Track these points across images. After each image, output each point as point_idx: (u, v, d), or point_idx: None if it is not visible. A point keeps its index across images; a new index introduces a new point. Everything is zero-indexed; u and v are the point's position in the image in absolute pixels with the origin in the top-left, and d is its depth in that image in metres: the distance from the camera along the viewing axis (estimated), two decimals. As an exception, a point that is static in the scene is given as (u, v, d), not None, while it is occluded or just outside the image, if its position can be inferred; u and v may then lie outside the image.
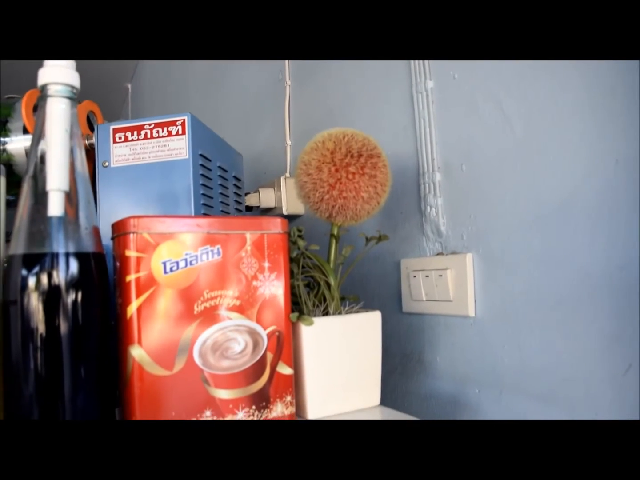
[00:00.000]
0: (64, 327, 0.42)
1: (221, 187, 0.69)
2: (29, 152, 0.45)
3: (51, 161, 0.43)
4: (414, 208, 0.66)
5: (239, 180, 0.77)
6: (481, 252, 0.57)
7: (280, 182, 0.82)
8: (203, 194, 0.63)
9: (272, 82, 0.96)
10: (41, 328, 0.41)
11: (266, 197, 0.83)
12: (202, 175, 0.63)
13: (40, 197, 0.43)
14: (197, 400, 0.45)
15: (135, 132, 0.63)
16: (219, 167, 0.69)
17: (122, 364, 0.45)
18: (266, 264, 0.48)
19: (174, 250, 0.45)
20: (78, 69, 0.45)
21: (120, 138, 0.63)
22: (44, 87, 0.44)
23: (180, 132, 0.62)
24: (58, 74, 0.44)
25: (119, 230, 0.45)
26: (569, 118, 0.48)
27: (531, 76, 0.51)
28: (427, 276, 0.62)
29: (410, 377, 0.66)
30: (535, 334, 0.52)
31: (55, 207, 0.43)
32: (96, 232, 0.45)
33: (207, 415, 0.45)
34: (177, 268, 0.45)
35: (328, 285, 0.54)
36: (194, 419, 0.45)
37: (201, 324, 0.45)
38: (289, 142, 0.88)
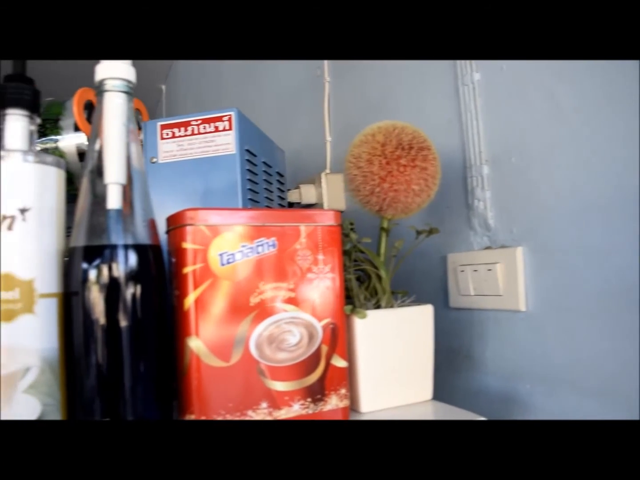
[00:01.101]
0: (124, 318, 0.42)
1: (266, 183, 0.69)
2: (87, 147, 0.45)
3: (109, 155, 0.44)
4: (460, 202, 0.66)
5: (281, 176, 0.77)
6: (532, 245, 0.57)
7: (322, 178, 0.82)
8: (249, 189, 0.63)
9: (310, 78, 0.96)
10: (102, 319, 0.42)
11: (307, 194, 0.83)
12: (249, 170, 0.64)
13: (99, 190, 0.44)
14: (254, 392, 0.45)
15: (182, 128, 0.63)
16: (264, 162, 0.69)
17: (179, 356, 0.45)
18: (320, 257, 0.48)
19: (230, 242, 0.45)
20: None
21: (167, 134, 0.63)
22: (101, 83, 0.45)
23: (227, 127, 0.62)
24: (115, 69, 0.45)
25: (175, 222, 0.45)
26: (622, 110, 0.47)
27: (584, 66, 0.50)
28: (475, 270, 0.62)
29: (457, 373, 0.66)
30: (588, 327, 0.51)
31: (114, 200, 0.43)
32: (153, 225, 0.45)
33: (264, 407, 0.45)
34: (234, 260, 0.45)
35: (379, 278, 0.54)
36: (250, 410, 0.45)
37: (257, 316, 0.45)
38: (328, 138, 0.88)
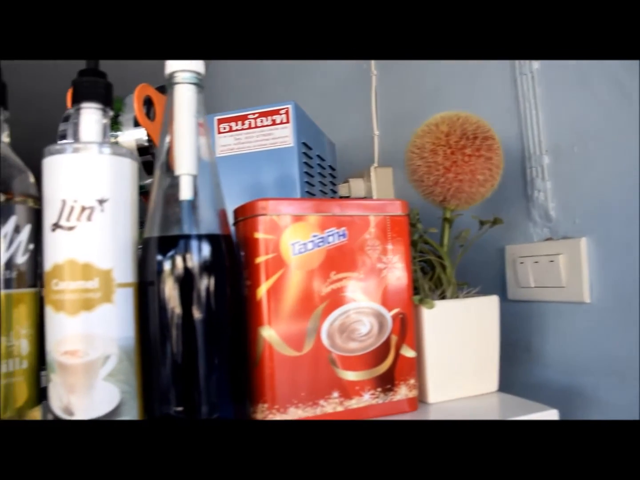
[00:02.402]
0: (199, 308, 0.42)
1: (320, 176, 0.70)
2: (159, 139, 0.46)
3: (180, 146, 0.44)
4: (518, 193, 0.65)
5: (333, 169, 0.77)
6: (596, 236, 0.56)
7: (370, 172, 0.82)
8: (306, 182, 0.63)
9: (356, 72, 0.96)
10: (178, 309, 0.42)
11: (356, 188, 0.83)
12: (305, 163, 0.64)
13: (171, 181, 0.44)
14: (325, 381, 0.45)
15: (239, 122, 0.64)
16: (318, 155, 0.69)
17: (251, 346, 0.45)
18: (389, 246, 0.47)
19: (301, 232, 0.45)
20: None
21: (224, 128, 0.64)
22: (171, 75, 0.45)
23: (284, 120, 0.62)
24: (185, 62, 0.45)
25: (246, 213, 0.46)
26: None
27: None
28: (536, 262, 0.61)
29: (517, 366, 0.65)
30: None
31: (186, 190, 0.43)
32: (224, 215, 0.45)
33: (335, 396, 0.45)
34: (305, 250, 0.45)
35: (443, 269, 0.54)
36: (322, 400, 0.45)
37: (328, 306, 0.45)
38: (376, 132, 0.88)
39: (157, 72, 0.78)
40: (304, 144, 0.64)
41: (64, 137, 0.64)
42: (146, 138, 0.62)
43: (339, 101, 1.01)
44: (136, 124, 0.64)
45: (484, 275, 0.70)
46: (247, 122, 0.64)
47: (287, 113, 0.62)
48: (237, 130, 0.64)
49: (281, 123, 0.62)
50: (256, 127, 0.63)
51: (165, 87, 0.66)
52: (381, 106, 0.90)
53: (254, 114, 0.63)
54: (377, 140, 0.88)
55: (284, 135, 0.62)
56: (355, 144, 0.93)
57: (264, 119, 0.63)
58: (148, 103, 0.62)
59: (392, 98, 0.88)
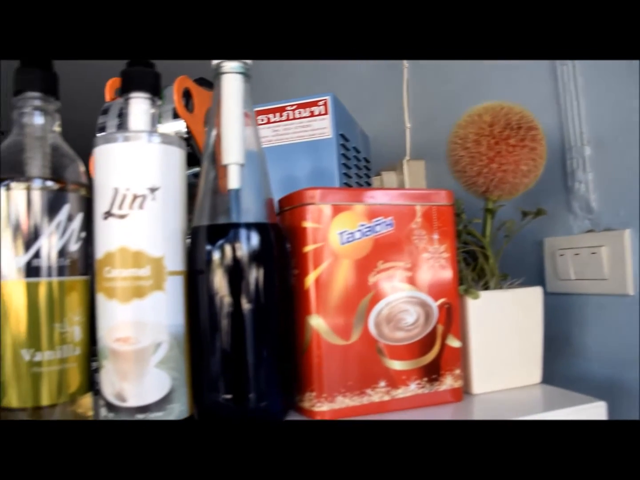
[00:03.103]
0: (248, 296, 0.42)
1: (356, 168, 0.69)
2: (206, 128, 0.46)
3: (227, 135, 0.44)
4: (558, 184, 0.64)
5: (368, 162, 0.77)
6: (640, 227, 0.55)
7: (403, 165, 0.82)
8: (344, 174, 0.63)
9: (388, 64, 0.95)
10: (227, 298, 0.42)
11: (389, 181, 0.83)
12: (343, 155, 0.64)
13: (219, 171, 0.44)
14: (373, 371, 0.45)
15: (277, 114, 0.64)
16: (354, 147, 0.69)
17: (299, 334, 0.45)
18: (435, 236, 0.47)
19: (349, 221, 0.45)
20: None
21: (262, 120, 0.64)
22: (218, 65, 0.45)
23: (322, 112, 0.62)
24: (232, 51, 0.45)
25: (293, 202, 0.46)
26: None
27: None
28: (576, 254, 0.61)
29: (556, 359, 0.65)
30: None
31: (234, 180, 0.43)
32: (271, 204, 0.45)
33: (382, 385, 0.45)
34: (353, 239, 0.45)
35: (486, 260, 0.53)
36: (369, 389, 0.45)
37: (376, 295, 0.45)
38: (408, 125, 0.88)
39: (193, 65, 0.78)
40: (342, 135, 0.64)
41: (103, 129, 0.64)
42: (185, 130, 0.62)
43: (370, 93, 1.00)
44: (175, 116, 0.64)
45: (521, 268, 0.69)
46: (284, 113, 0.64)
47: (325, 104, 0.62)
48: (274, 122, 0.64)
49: (319, 115, 0.62)
50: (294, 118, 0.63)
51: (204, 79, 0.66)
52: (413, 98, 0.89)
53: (291, 105, 0.64)
54: (408, 133, 0.88)
55: (322, 127, 0.62)
56: (387, 136, 0.93)
57: (302, 110, 0.63)
58: (187, 95, 0.62)
59: (424, 90, 0.88)
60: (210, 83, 0.69)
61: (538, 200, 0.65)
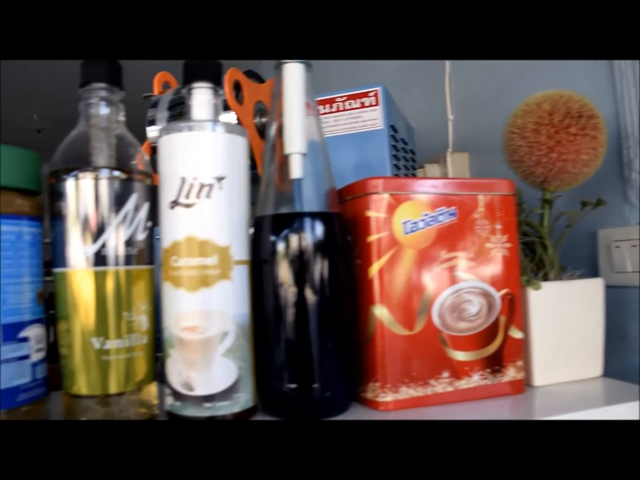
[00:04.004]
0: (313, 286, 0.42)
1: (404, 160, 0.69)
2: (269, 119, 0.46)
3: (290, 125, 0.44)
4: (613, 175, 0.63)
5: (414, 154, 0.77)
6: (701, 218, 0.54)
7: (447, 157, 0.81)
8: (394, 165, 0.63)
9: (429, 57, 0.94)
10: (293, 288, 0.42)
11: (432, 173, 0.83)
12: (393, 146, 0.63)
13: (282, 161, 0.44)
14: (436, 361, 0.45)
15: (327, 105, 0.63)
16: (402, 139, 0.69)
17: (362, 324, 0.45)
18: (498, 226, 0.47)
19: (413, 210, 0.44)
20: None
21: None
22: (280, 56, 0.45)
23: (373, 103, 0.62)
24: (294, 41, 0.45)
25: (356, 191, 0.45)
26: None
27: None
28: (634, 246, 0.60)
29: (611, 353, 0.63)
30: None
31: (297, 169, 0.43)
32: (334, 193, 0.45)
33: (445, 376, 0.45)
34: (417, 228, 0.44)
35: (545, 251, 0.53)
36: (433, 380, 0.45)
37: (439, 285, 0.45)
38: (450, 117, 0.87)
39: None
40: (392, 126, 0.64)
41: (152, 122, 0.65)
42: (236, 122, 0.62)
43: (411, 85, 1.00)
44: (225, 108, 0.64)
45: (574, 260, 0.68)
46: (335, 105, 0.63)
47: (376, 95, 0.62)
48: (324, 113, 0.64)
49: (370, 106, 0.62)
50: (344, 110, 0.63)
51: (252, 71, 0.66)
52: (456, 91, 0.88)
53: (342, 96, 0.63)
54: (451, 125, 0.87)
55: (373, 118, 0.62)
56: (427, 128, 0.92)
57: (352, 101, 0.63)
58: (237, 87, 0.62)
59: (467, 82, 0.87)
60: (258, 76, 0.69)
61: (592, 191, 0.64)
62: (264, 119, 0.66)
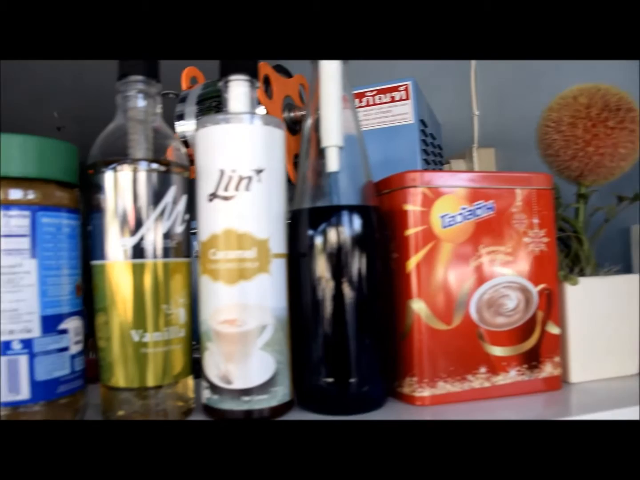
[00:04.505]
0: (351, 280, 0.42)
1: (432, 155, 0.69)
2: (305, 113, 0.46)
3: (326, 119, 0.44)
4: (645, 170, 0.62)
5: (441, 149, 0.76)
6: None
7: (473, 153, 0.80)
8: (424, 160, 0.62)
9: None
10: (331, 281, 0.42)
11: (457, 168, 0.82)
12: (423, 141, 0.63)
13: (318, 154, 0.44)
14: (473, 356, 0.45)
15: (356, 100, 0.63)
16: (431, 134, 0.68)
17: (399, 319, 0.45)
18: (535, 221, 0.46)
19: (450, 204, 0.44)
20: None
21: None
22: (315, 50, 0.45)
23: (403, 97, 0.61)
24: (329, 34, 0.44)
25: (393, 185, 0.45)
26: None
27: None
28: (668, 241, 0.59)
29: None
30: None
31: (333, 163, 0.43)
32: (372, 187, 0.45)
33: (482, 372, 0.45)
34: (455, 222, 0.44)
35: (581, 246, 0.52)
36: (470, 375, 0.44)
37: (477, 280, 0.45)
38: (476, 112, 0.86)
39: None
40: (422, 121, 0.63)
41: (181, 116, 0.65)
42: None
43: (437, 80, 0.99)
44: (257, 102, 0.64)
45: (606, 256, 0.68)
46: (364, 99, 0.63)
47: (406, 90, 0.62)
48: (354, 108, 0.63)
49: (400, 100, 0.62)
50: (374, 104, 0.63)
51: (280, 66, 0.66)
52: (481, 85, 0.88)
53: (371, 91, 0.63)
54: (476, 121, 0.87)
55: (403, 112, 0.61)
56: (452, 124, 0.92)
57: (382, 96, 0.62)
58: (266, 81, 0.62)
59: (493, 76, 0.86)
60: (286, 70, 0.69)
61: (622, 185, 0.63)
62: (292, 114, 0.65)
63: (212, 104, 0.64)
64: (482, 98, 0.88)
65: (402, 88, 0.62)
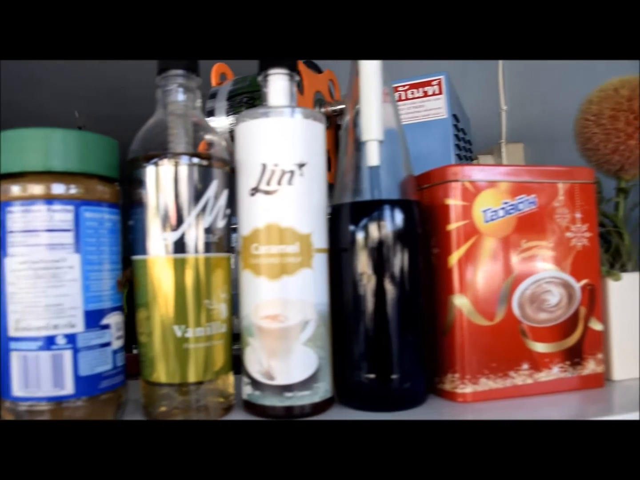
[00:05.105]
0: (393, 275, 0.42)
1: (463, 150, 0.68)
2: (345, 107, 0.45)
3: (366, 113, 0.43)
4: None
5: (471, 144, 0.75)
6: None
7: (502, 148, 0.80)
8: (457, 155, 0.62)
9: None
10: (373, 277, 0.41)
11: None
12: (455, 136, 0.62)
13: (358, 148, 0.43)
14: (516, 353, 0.44)
15: (388, 95, 0.62)
16: (462, 129, 0.68)
17: (440, 314, 0.44)
18: (578, 215, 0.46)
19: (492, 198, 0.43)
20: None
21: (373, 101, 0.62)
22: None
23: (436, 92, 0.61)
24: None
25: (434, 179, 0.45)
26: None
27: None
28: None
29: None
30: None
31: (373, 157, 0.43)
32: (413, 181, 0.44)
33: (525, 368, 0.44)
34: (497, 217, 0.43)
35: (622, 242, 0.51)
36: (512, 371, 0.44)
37: (519, 275, 0.44)
38: (504, 107, 0.85)
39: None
40: (454, 116, 0.63)
41: (211, 112, 0.64)
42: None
43: (464, 75, 0.98)
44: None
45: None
46: (396, 94, 0.63)
47: (439, 84, 0.61)
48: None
49: (433, 94, 0.61)
50: (406, 99, 0.62)
51: (311, 61, 0.65)
52: (509, 80, 0.87)
53: (403, 86, 0.62)
54: (504, 116, 0.86)
55: (436, 107, 0.61)
56: (478, 119, 0.91)
57: (414, 90, 0.62)
58: (297, 77, 0.62)
59: (521, 71, 0.86)
60: (316, 65, 0.69)
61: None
62: (322, 109, 0.65)
63: (242, 100, 0.64)
64: (509, 93, 0.87)
65: (434, 82, 0.61)
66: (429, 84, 0.61)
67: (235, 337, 0.44)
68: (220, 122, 0.63)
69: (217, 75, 0.69)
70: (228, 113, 0.64)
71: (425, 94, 0.61)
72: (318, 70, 0.68)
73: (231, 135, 0.61)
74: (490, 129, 0.88)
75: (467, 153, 0.71)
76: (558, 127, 0.71)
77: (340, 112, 0.65)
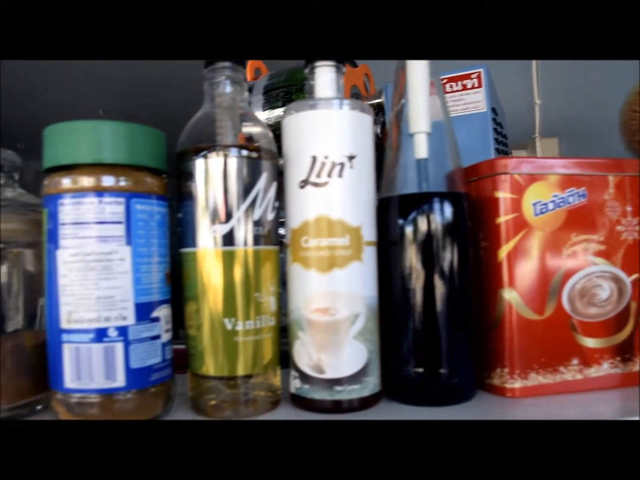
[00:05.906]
0: (443, 269, 0.41)
1: (501, 145, 0.67)
2: (391, 100, 0.45)
3: (413, 105, 0.43)
4: None
5: (506, 138, 0.75)
6: None
7: (536, 143, 0.79)
8: (496, 149, 0.61)
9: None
10: (422, 270, 0.41)
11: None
12: (494, 129, 0.62)
13: (405, 141, 0.43)
14: (565, 347, 0.43)
15: (426, 88, 0.62)
16: (499, 123, 0.67)
17: (488, 308, 0.44)
18: (628, 208, 0.45)
19: (542, 191, 0.43)
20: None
21: (410, 95, 0.62)
22: (401, 33, 0.44)
23: (476, 85, 0.60)
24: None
25: (483, 172, 0.44)
26: None
27: None
28: None
29: None
30: None
31: (421, 149, 0.42)
32: (461, 173, 0.44)
33: (574, 363, 0.43)
34: (547, 210, 0.43)
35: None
36: (562, 367, 0.43)
37: (569, 269, 0.43)
38: (537, 101, 0.84)
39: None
40: (493, 109, 0.62)
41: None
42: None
43: (497, 69, 0.97)
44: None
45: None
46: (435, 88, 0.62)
47: (479, 77, 0.60)
48: (423, 96, 0.62)
49: (472, 88, 0.61)
50: (445, 92, 0.62)
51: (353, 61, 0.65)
52: (543, 74, 0.86)
53: (442, 79, 0.62)
54: (538, 110, 0.85)
55: (476, 100, 0.60)
56: (514, 113, 0.90)
57: (453, 84, 0.61)
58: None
59: (554, 65, 0.85)
60: (352, 60, 0.68)
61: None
62: (359, 103, 0.65)
63: (279, 94, 0.64)
64: (543, 87, 0.86)
65: (474, 76, 0.61)
66: (468, 77, 0.61)
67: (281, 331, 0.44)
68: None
69: (252, 70, 0.69)
70: (264, 107, 0.64)
71: (465, 87, 0.61)
72: (354, 64, 0.68)
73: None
74: (523, 123, 0.88)
75: (504, 147, 0.70)
76: (594, 121, 0.70)
77: (377, 106, 0.65)
